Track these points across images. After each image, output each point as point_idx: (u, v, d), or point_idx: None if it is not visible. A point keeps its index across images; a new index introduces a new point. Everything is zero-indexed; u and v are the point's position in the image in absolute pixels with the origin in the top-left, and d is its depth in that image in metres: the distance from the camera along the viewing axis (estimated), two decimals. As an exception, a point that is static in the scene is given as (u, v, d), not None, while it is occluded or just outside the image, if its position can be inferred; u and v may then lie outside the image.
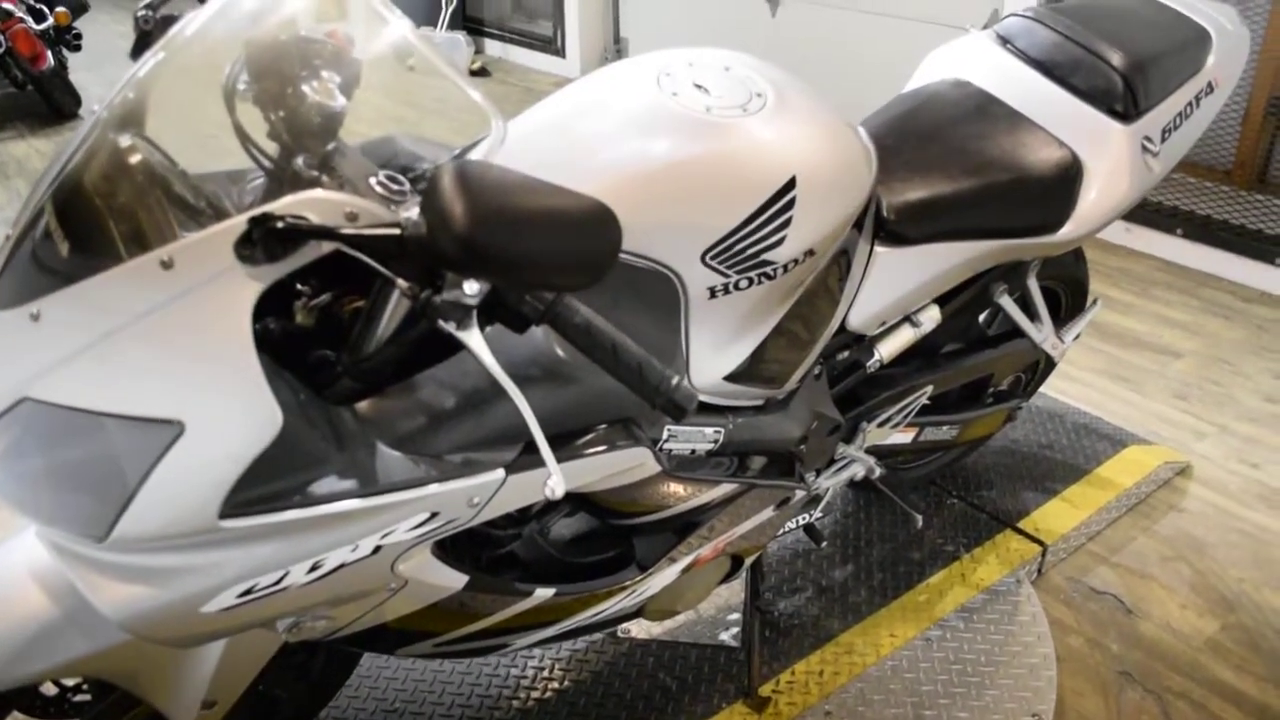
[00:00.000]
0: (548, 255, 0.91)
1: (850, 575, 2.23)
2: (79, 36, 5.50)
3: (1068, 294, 2.21)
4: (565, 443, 1.19)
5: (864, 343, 1.72)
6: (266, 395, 0.96)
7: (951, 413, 2.08)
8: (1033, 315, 2.00)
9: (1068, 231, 1.79)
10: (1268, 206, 3.50)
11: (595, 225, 0.94)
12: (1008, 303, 1.91)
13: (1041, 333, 2.00)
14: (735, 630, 2.07)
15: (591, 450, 1.20)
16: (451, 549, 1.26)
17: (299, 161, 1.13)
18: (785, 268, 1.33)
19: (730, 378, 1.38)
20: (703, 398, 1.38)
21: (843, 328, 1.63)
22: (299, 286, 1.22)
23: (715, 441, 1.41)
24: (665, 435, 1.33)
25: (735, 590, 2.15)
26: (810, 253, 1.35)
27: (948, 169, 1.71)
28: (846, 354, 1.72)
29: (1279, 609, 2.25)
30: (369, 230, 0.93)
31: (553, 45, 6.21)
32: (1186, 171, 3.68)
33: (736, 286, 1.30)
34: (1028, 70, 1.88)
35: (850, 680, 1.98)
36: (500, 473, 1.13)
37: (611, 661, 2.02)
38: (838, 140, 1.41)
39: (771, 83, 1.40)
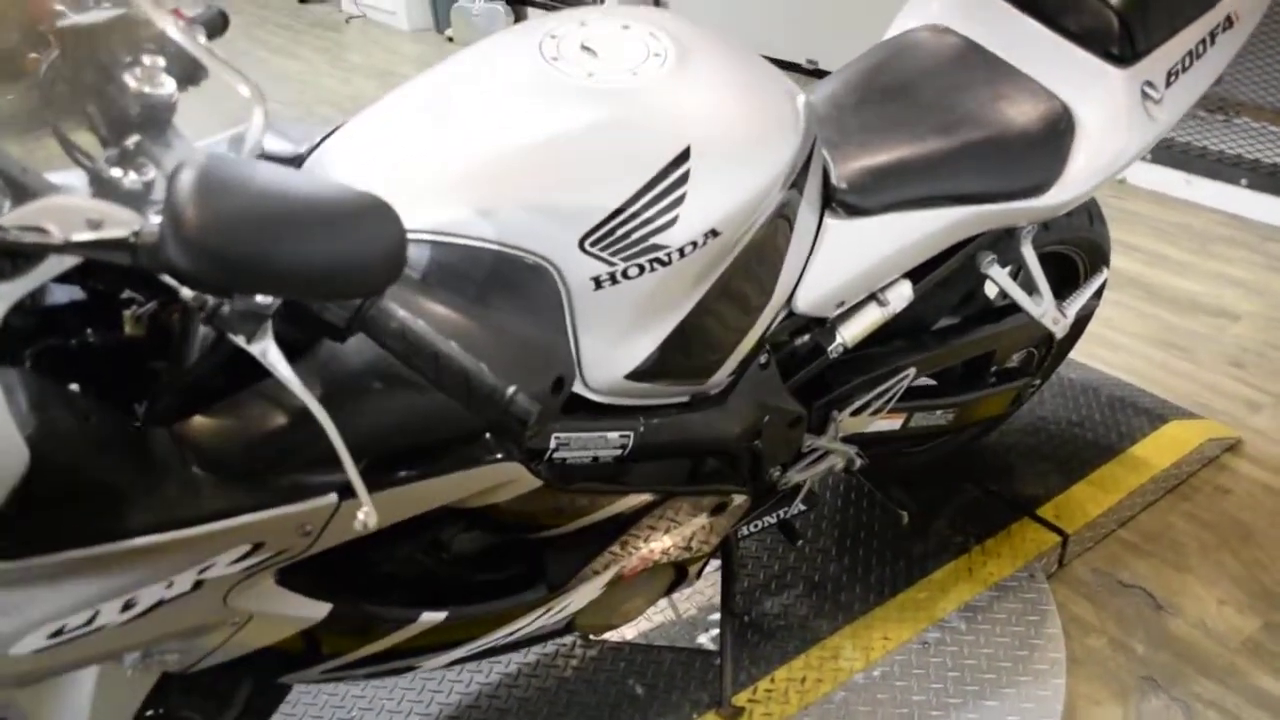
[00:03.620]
0: (306, 263, 0.78)
1: (845, 570, 2.06)
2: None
3: (1084, 259, 1.99)
4: (411, 461, 1.05)
5: (824, 325, 1.54)
6: (6, 427, 0.85)
7: (949, 395, 1.89)
8: (1030, 287, 1.79)
9: (1057, 194, 1.58)
10: (1343, 151, 3.19)
11: (364, 225, 0.80)
12: (998, 273, 1.71)
13: (1040, 306, 1.79)
14: (715, 632, 1.92)
15: (442, 470, 1.06)
16: (320, 571, 1.14)
17: (103, 160, 1.01)
18: (682, 252, 1.16)
19: (636, 375, 1.23)
20: (605, 399, 1.23)
21: (791, 312, 1.46)
22: (127, 294, 1.11)
23: (623, 447, 1.26)
24: (554, 443, 1.19)
25: (718, 588, 2.01)
26: (714, 234, 1.18)
27: (914, 127, 1.52)
28: (806, 338, 1.55)
29: (1331, 604, 2.02)
30: (100, 239, 0.80)
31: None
32: (1251, 115, 3.37)
33: (625, 275, 1.14)
34: (1013, 11, 1.66)
35: (835, 688, 1.82)
36: (333, 497, 1.01)
37: (580, 666, 1.89)
38: (749, 103, 1.23)
39: (677, 41, 1.23)
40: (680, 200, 1.14)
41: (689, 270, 1.19)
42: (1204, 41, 1.64)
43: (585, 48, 1.19)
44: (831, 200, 1.44)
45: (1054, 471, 2.29)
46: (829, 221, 1.44)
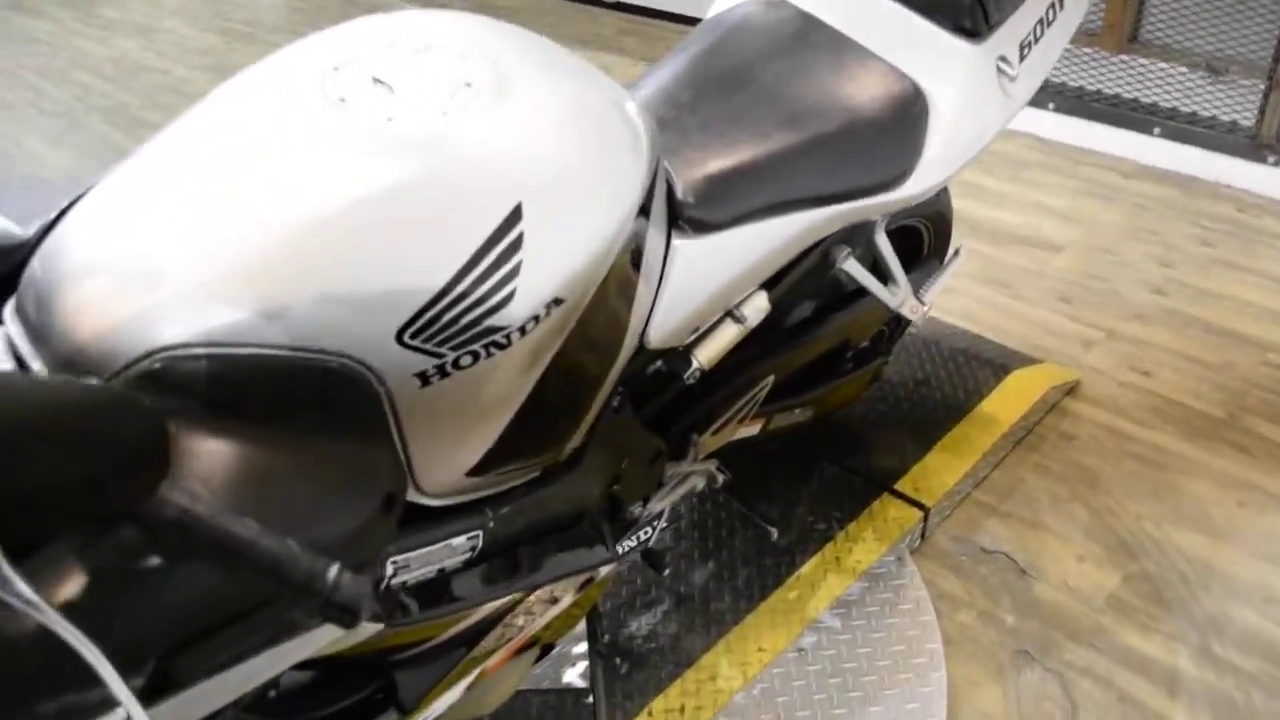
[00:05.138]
0: (22, 487, 0.55)
1: (711, 576, 1.95)
2: None
3: (930, 231, 1.90)
4: (213, 647, 0.84)
5: (678, 352, 1.38)
6: None
7: (807, 390, 1.77)
8: (884, 276, 1.67)
9: (914, 184, 1.46)
10: (1141, 70, 3.22)
11: (104, 432, 0.58)
12: (854, 267, 1.58)
13: (897, 296, 1.68)
14: (583, 667, 1.77)
15: (254, 648, 0.85)
16: None
17: None
18: (523, 330, 0.97)
19: (479, 469, 1.03)
20: (444, 502, 1.03)
21: (642, 346, 1.29)
22: None
23: (473, 549, 1.07)
24: (390, 569, 0.99)
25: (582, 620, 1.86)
26: (557, 302, 0.99)
27: (759, 124, 1.35)
28: (659, 365, 1.38)
29: (1182, 548, 2.03)
30: None
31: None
32: (1055, 39, 3.37)
33: (457, 365, 0.94)
34: (854, -20, 1.51)
35: (715, 714, 1.71)
36: (121, 715, 0.79)
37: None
38: (586, 129, 1.04)
39: (490, 61, 1.01)
40: (516, 271, 0.94)
41: (530, 346, 1.00)
42: (1052, 7, 1.53)
43: (378, 81, 0.96)
44: (678, 219, 1.26)
45: (907, 439, 2.23)
46: (677, 243, 1.26)
